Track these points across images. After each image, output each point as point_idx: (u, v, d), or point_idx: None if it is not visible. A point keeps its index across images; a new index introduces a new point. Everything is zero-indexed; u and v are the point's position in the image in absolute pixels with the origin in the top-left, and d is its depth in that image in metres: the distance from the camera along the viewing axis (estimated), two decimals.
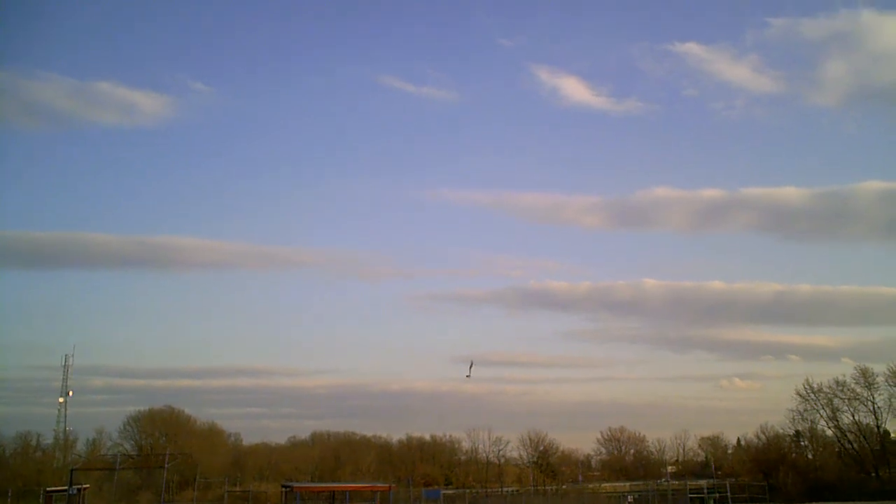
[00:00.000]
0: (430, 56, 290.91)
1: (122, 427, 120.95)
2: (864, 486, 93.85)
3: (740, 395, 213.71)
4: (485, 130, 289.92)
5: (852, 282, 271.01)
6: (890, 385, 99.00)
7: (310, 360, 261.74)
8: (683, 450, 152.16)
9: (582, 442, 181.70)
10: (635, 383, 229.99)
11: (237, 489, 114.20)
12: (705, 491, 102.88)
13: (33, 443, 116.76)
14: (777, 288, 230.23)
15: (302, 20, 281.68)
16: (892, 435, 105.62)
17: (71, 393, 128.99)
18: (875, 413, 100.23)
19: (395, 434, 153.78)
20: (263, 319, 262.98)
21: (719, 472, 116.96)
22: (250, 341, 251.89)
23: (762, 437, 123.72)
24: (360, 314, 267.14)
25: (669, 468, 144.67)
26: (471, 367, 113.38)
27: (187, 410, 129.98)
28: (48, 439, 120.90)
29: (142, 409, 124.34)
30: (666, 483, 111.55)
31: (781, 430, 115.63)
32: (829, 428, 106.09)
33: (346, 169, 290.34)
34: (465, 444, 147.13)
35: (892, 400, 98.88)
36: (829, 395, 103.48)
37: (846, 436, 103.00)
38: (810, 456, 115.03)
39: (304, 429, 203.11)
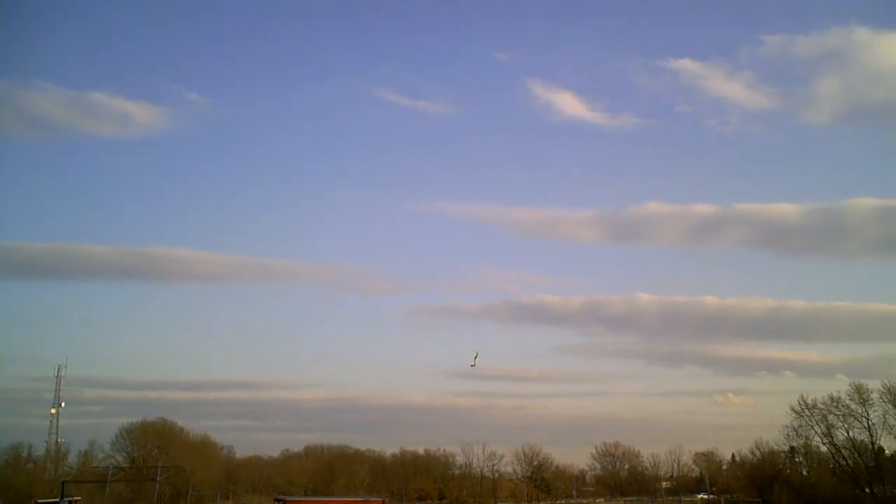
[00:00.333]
0: (425, 70, 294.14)
1: (114, 439, 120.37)
2: (858, 502, 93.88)
3: (734, 410, 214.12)
4: (480, 144, 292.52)
5: (846, 298, 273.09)
6: (884, 402, 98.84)
7: (304, 374, 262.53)
8: (678, 465, 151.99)
9: (576, 457, 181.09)
10: (629, 398, 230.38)
11: (230, 502, 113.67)
12: None
13: (25, 454, 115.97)
14: (770, 304, 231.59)
15: (298, 34, 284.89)
16: (887, 452, 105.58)
17: (63, 404, 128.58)
18: (869, 430, 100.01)
19: (389, 448, 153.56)
20: (258, 332, 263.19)
21: (714, 488, 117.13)
22: (245, 354, 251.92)
23: (757, 452, 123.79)
24: (354, 328, 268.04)
25: (664, 484, 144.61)
26: (475, 358, 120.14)
27: (180, 423, 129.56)
28: (40, 450, 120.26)
29: (134, 420, 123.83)
30: (660, 499, 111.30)
31: (776, 446, 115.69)
32: (824, 444, 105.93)
33: (342, 182, 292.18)
34: (460, 459, 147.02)
35: (887, 416, 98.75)
36: (823, 412, 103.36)
37: (841, 452, 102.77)
38: (805, 472, 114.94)
39: (297, 442, 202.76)
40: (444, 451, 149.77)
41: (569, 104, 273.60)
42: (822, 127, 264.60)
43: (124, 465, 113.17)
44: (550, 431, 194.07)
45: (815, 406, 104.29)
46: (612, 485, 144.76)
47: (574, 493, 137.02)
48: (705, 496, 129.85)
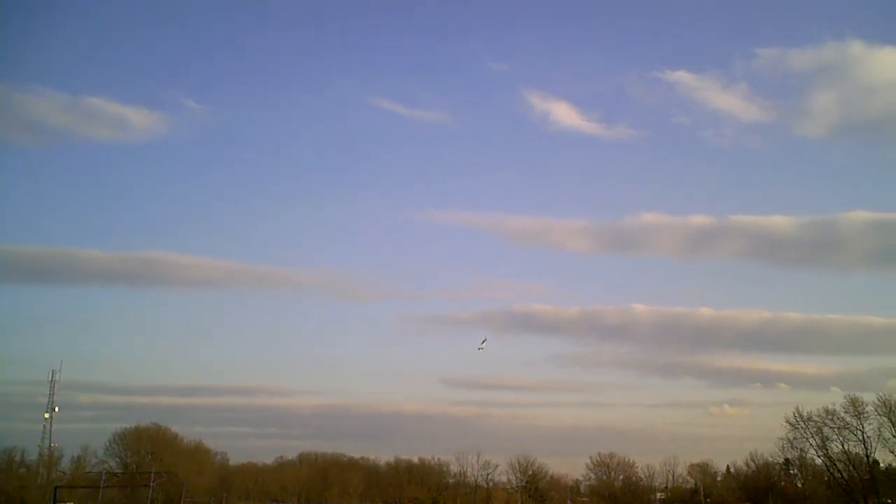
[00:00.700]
0: (422, 79, 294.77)
1: (107, 444, 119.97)
2: None
3: (729, 422, 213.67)
4: (476, 153, 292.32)
5: (840, 311, 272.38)
6: (879, 414, 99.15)
7: (298, 381, 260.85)
8: (673, 476, 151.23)
9: (571, 467, 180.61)
10: (624, 409, 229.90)
11: None
12: None
13: (17, 458, 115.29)
14: (765, 315, 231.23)
15: (296, 42, 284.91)
16: (882, 464, 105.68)
17: (57, 408, 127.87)
18: (864, 442, 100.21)
19: (383, 456, 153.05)
20: (252, 338, 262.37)
21: (709, 500, 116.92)
22: (239, 360, 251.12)
23: (752, 464, 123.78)
24: (349, 335, 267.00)
25: (659, 495, 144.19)
26: (483, 342, 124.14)
27: (174, 429, 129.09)
28: (33, 455, 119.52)
29: (128, 426, 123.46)
30: None
31: (771, 458, 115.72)
32: (819, 457, 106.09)
33: (338, 189, 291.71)
34: (454, 468, 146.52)
35: (882, 429, 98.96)
36: (818, 424, 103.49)
37: (835, 465, 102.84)
38: (800, 484, 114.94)
39: (291, 449, 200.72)
40: (439, 459, 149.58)
41: (565, 114, 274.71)
42: (816, 140, 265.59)
43: (117, 471, 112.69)
44: (545, 441, 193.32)
45: (810, 418, 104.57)
46: (606, 495, 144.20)
47: (568, 503, 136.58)
48: None
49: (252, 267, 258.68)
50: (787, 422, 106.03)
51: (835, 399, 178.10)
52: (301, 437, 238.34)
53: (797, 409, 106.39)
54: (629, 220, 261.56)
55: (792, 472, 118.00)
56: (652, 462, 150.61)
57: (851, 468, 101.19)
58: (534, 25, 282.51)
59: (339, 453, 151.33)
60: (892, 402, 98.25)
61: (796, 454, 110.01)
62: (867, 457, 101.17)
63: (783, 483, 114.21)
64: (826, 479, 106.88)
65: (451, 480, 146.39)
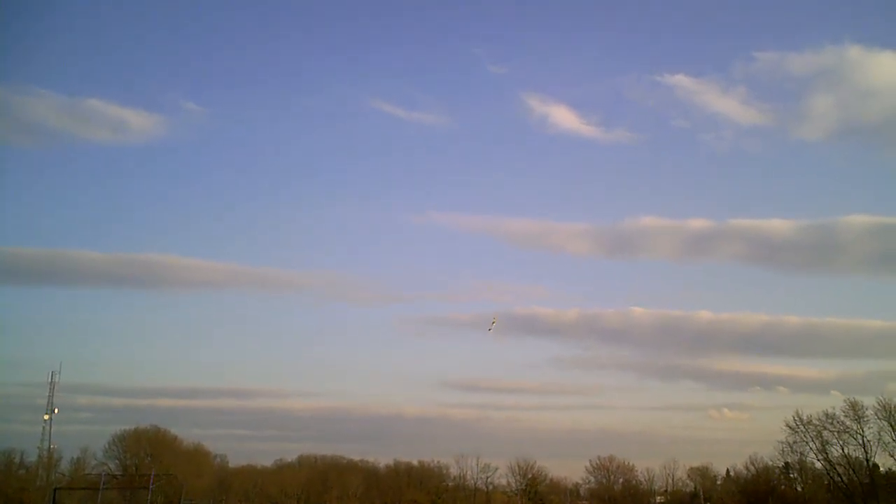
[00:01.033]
0: (422, 81, 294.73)
1: (106, 446, 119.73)
2: None
3: (729, 425, 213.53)
4: (475, 156, 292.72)
5: (840, 314, 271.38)
6: (879, 418, 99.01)
7: (298, 383, 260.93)
8: (672, 480, 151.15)
9: (570, 470, 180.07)
10: (623, 411, 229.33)
11: None
12: None
13: (17, 460, 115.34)
14: (764, 319, 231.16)
15: (296, 45, 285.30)
16: (882, 469, 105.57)
17: (56, 410, 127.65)
18: (864, 446, 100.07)
19: (382, 458, 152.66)
20: (251, 341, 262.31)
21: (708, 503, 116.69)
22: (238, 362, 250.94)
23: (751, 468, 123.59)
24: (348, 337, 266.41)
25: (658, 498, 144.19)
26: (493, 323, 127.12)
27: (173, 431, 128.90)
28: (32, 457, 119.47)
29: (127, 428, 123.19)
30: None
31: (771, 462, 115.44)
32: (819, 461, 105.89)
33: (337, 192, 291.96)
34: (453, 471, 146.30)
35: (882, 433, 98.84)
36: (818, 428, 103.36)
37: (835, 469, 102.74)
38: (800, 488, 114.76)
39: (290, 451, 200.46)
40: (438, 462, 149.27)
41: (563, 117, 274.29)
42: (815, 143, 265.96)
43: (117, 473, 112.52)
44: (544, 444, 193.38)
45: (809, 422, 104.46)
46: (606, 498, 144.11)
47: None
48: None
49: (252, 269, 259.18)
50: (787, 425, 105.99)
51: (835, 403, 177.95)
52: (300, 439, 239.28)
53: (797, 412, 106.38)
54: (628, 223, 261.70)
55: (792, 475, 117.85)
56: (652, 465, 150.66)
57: (851, 472, 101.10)
58: (532, 28, 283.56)
59: (338, 456, 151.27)
60: (892, 406, 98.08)
61: (796, 458, 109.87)
62: (867, 461, 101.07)
63: (783, 487, 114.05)
64: (826, 483, 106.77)
65: (450, 483, 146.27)
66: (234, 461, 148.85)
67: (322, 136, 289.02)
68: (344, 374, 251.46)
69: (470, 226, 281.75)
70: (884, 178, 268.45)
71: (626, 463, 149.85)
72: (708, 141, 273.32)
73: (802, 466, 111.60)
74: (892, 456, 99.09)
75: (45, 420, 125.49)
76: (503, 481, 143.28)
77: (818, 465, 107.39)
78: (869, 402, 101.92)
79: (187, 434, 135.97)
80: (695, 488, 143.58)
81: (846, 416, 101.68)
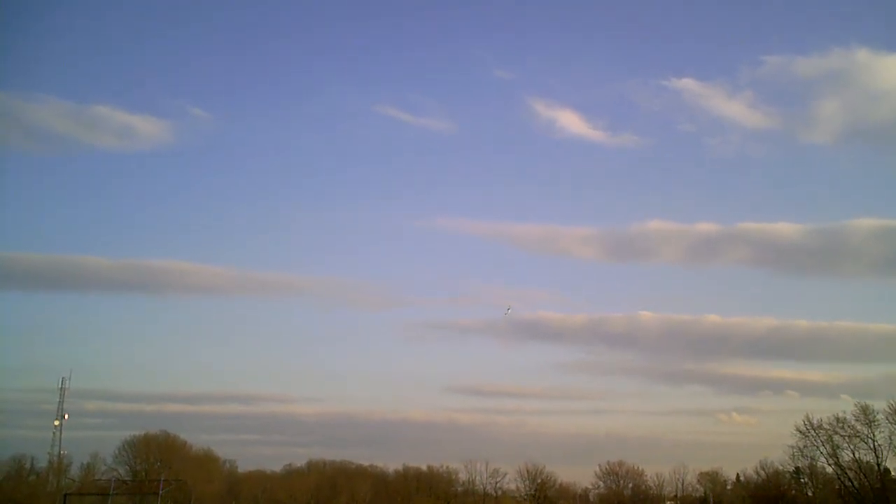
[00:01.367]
0: (427, 87, 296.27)
1: (116, 452, 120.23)
2: None
3: (738, 429, 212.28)
4: (481, 160, 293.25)
5: (848, 318, 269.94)
6: (890, 423, 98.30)
7: (304, 388, 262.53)
8: (682, 485, 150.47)
9: (579, 475, 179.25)
10: (631, 416, 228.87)
11: None
12: None
13: (27, 466, 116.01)
14: (773, 323, 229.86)
15: (301, 50, 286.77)
16: (893, 473, 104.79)
17: (67, 416, 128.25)
18: (875, 451, 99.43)
19: (390, 464, 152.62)
20: (258, 346, 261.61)
21: None
22: (245, 367, 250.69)
23: (762, 472, 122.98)
24: (354, 342, 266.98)
25: (668, 503, 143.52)
26: (508, 310, 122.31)
27: (182, 436, 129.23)
28: (42, 463, 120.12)
29: (137, 433, 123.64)
30: None
31: (781, 467, 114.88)
32: (829, 465, 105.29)
33: (343, 197, 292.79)
34: (462, 476, 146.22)
35: (893, 438, 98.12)
36: (829, 432, 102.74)
37: (846, 473, 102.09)
38: (810, 493, 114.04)
39: (299, 456, 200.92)
40: (447, 467, 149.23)
41: (570, 122, 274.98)
42: (822, 147, 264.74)
43: (126, 479, 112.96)
44: (552, 449, 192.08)
45: (820, 426, 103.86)
46: (616, 503, 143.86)
47: None
48: None
49: (258, 274, 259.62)
50: (798, 430, 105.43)
51: (844, 407, 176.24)
52: (308, 444, 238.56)
53: (807, 416, 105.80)
54: (635, 227, 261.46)
55: (802, 480, 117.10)
56: (661, 470, 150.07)
57: (862, 477, 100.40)
58: (538, 33, 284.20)
59: (347, 461, 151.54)
60: None
61: (807, 463, 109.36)
62: (878, 465, 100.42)
63: (794, 492, 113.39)
64: (837, 487, 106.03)
65: (459, 489, 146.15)
66: (244, 466, 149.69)
67: (328, 141, 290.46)
68: (350, 379, 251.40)
69: (476, 230, 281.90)
70: (892, 181, 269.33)
71: (636, 468, 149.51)
72: (715, 145, 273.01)
73: (813, 471, 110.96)
74: None
75: (55, 426, 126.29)
76: (512, 486, 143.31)
77: (829, 469, 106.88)
78: (879, 405, 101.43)
79: (195, 439, 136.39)
80: (705, 493, 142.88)
81: (857, 420, 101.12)
